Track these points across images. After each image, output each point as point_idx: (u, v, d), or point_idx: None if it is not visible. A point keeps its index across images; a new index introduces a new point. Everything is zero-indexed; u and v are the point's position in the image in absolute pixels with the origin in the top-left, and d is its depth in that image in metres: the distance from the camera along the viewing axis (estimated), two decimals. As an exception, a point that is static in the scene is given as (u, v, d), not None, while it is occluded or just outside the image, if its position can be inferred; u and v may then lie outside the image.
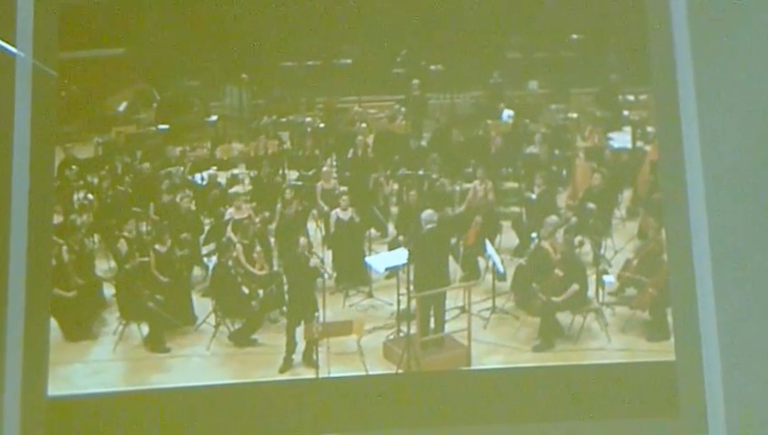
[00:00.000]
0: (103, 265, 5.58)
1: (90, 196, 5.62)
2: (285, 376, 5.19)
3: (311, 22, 5.28)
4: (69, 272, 5.38)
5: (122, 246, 5.57)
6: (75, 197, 5.59)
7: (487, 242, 5.59)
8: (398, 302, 5.43)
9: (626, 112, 5.56)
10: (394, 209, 5.77)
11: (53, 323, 5.23)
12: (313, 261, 5.52)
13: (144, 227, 5.64)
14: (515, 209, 5.75)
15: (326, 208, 5.77)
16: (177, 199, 5.70)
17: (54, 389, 5.08)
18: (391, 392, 4.97)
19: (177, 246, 5.57)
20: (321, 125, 5.81)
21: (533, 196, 5.69)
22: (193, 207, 5.71)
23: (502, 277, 5.55)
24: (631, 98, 5.54)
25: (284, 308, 5.45)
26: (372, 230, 5.77)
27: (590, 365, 5.01)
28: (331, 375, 5.11)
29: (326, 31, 5.32)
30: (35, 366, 5.03)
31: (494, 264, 5.54)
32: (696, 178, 5.03)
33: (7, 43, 5.25)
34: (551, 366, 5.04)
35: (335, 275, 5.60)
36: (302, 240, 5.54)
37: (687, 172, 5.05)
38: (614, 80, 5.48)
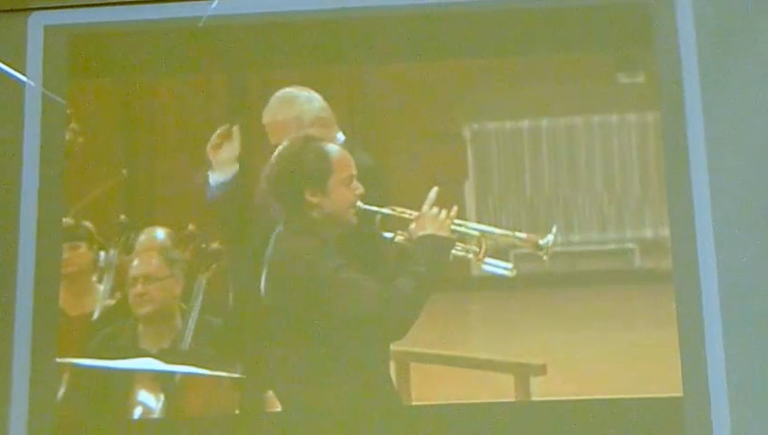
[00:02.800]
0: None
1: (101, 226, 5.63)
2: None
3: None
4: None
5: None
6: (86, 227, 5.60)
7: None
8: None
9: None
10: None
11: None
12: None
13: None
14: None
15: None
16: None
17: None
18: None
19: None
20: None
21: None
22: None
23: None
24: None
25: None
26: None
27: (595, 400, 4.95)
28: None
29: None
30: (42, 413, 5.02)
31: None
32: (704, 215, 5.01)
33: (17, 71, 5.23)
34: (554, 400, 5.00)
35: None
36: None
37: (696, 211, 5.02)
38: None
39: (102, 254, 5.14)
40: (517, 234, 5.01)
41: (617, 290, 5.09)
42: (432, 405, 4.96)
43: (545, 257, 4.97)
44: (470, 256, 4.98)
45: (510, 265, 4.99)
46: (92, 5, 5.33)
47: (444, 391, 4.95)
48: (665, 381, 4.88)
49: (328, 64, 5.26)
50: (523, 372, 4.95)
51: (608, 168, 5.17)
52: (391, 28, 5.21)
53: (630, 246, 5.14)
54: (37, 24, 5.32)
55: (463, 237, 5.00)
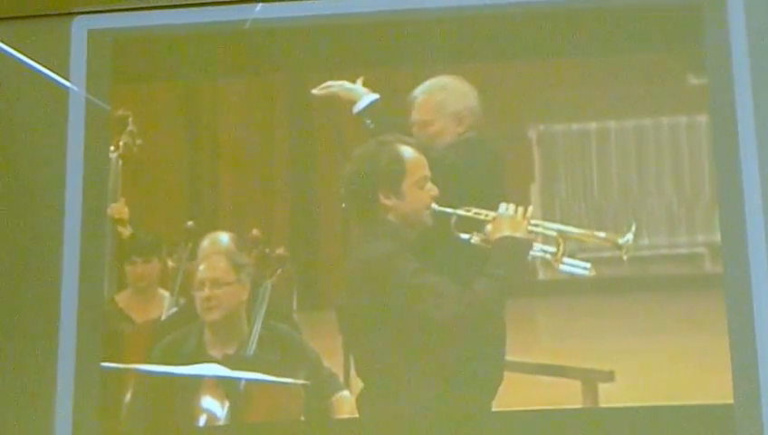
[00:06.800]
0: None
1: (144, 237, 5.57)
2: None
3: None
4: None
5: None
6: (129, 236, 5.53)
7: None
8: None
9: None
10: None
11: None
12: None
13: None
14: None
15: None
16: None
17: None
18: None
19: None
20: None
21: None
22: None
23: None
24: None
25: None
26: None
27: (642, 407, 4.90)
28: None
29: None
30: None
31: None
32: (755, 220, 5.00)
33: (61, 76, 5.17)
34: (601, 408, 4.94)
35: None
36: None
37: (747, 216, 5.00)
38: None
39: (169, 262, 5.10)
40: (596, 233, 4.96)
41: (687, 295, 5.05)
42: (514, 411, 4.90)
43: (625, 257, 4.92)
44: (548, 256, 4.93)
45: (588, 265, 4.93)
46: (137, 9, 5.29)
47: (513, 397, 4.91)
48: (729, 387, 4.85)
49: (392, 66, 5.23)
50: (591, 379, 4.90)
51: (678, 170, 5.15)
52: (457, 29, 5.19)
53: (700, 250, 5.13)
54: (81, 28, 5.27)
55: (539, 238, 4.96)
